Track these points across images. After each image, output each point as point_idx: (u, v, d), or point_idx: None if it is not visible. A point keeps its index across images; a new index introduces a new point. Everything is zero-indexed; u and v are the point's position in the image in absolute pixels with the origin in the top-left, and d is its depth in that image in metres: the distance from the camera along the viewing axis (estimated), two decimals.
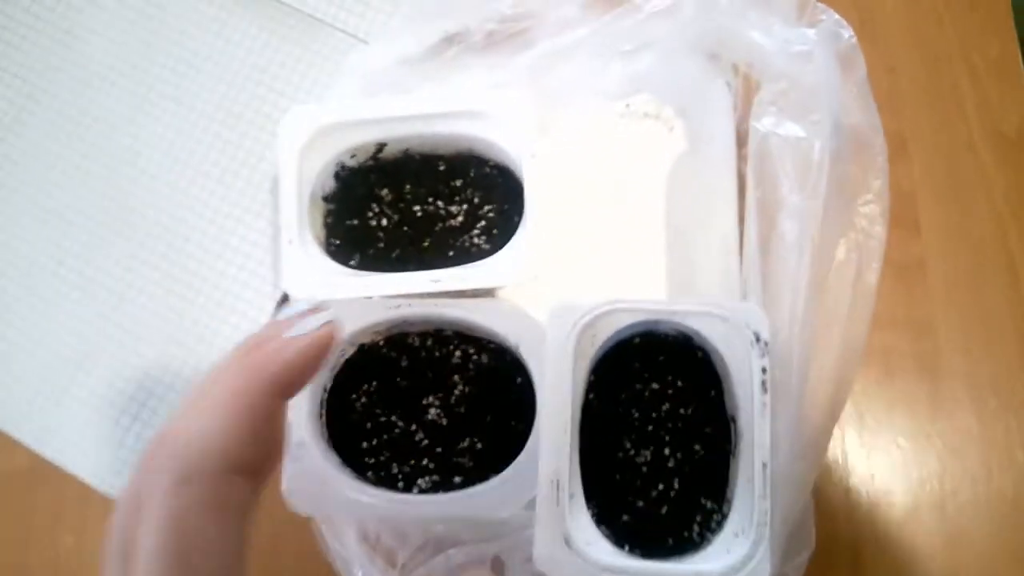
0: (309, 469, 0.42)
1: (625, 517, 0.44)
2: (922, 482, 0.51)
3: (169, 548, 0.25)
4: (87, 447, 0.52)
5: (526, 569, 0.46)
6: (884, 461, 0.51)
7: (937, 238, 0.54)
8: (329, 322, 0.30)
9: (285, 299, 0.52)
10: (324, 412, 0.45)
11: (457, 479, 0.45)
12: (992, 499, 0.51)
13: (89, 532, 0.52)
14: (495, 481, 0.42)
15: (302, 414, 0.43)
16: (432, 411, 0.46)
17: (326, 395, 0.45)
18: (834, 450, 0.51)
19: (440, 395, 0.47)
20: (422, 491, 0.44)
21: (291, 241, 0.45)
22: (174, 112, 0.56)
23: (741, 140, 0.53)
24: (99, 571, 0.26)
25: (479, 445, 0.46)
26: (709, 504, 0.44)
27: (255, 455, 0.27)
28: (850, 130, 0.44)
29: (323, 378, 0.45)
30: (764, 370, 0.41)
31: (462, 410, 0.46)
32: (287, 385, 0.29)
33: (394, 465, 0.45)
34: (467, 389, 0.47)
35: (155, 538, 0.25)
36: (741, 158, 0.53)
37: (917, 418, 0.52)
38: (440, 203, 0.49)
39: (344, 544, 0.46)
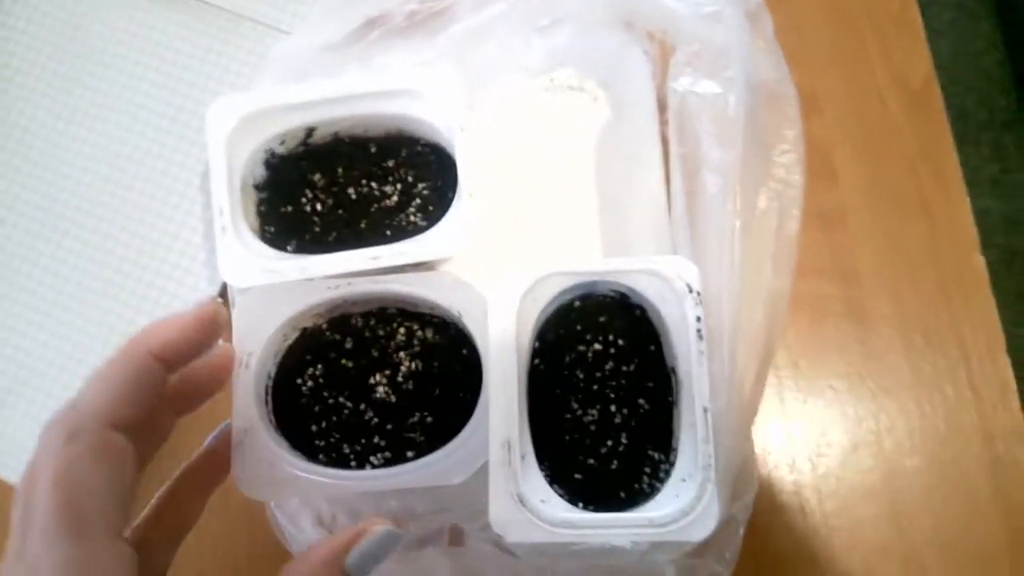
0: (258, 455, 0.42)
1: (577, 476, 0.45)
2: (858, 421, 0.53)
3: (59, 497, 0.28)
4: (25, 456, 0.51)
5: (485, 535, 0.47)
6: (820, 404, 0.53)
7: (855, 187, 0.56)
8: (215, 301, 0.37)
9: (224, 291, 0.52)
10: (269, 398, 0.45)
11: (410, 454, 0.45)
12: (926, 434, 0.53)
13: None
14: (445, 450, 0.43)
15: (248, 401, 0.43)
16: (380, 389, 0.47)
17: (271, 381, 0.45)
18: (771, 397, 0.53)
19: (387, 373, 0.47)
20: (374, 467, 0.45)
21: (224, 229, 0.45)
22: (97, 114, 0.56)
23: (662, 105, 0.55)
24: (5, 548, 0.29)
25: (429, 419, 0.46)
26: (657, 455, 0.45)
27: (135, 415, 0.32)
28: (762, 84, 0.46)
29: (267, 364, 0.45)
30: (699, 319, 0.43)
31: (410, 386, 0.47)
32: (167, 354, 0.34)
33: (345, 446, 0.45)
34: (413, 365, 0.47)
35: (47, 490, 0.28)
36: (663, 122, 0.55)
37: (849, 361, 0.54)
38: (374, 184, 0.49)
39: (300, 528, 0.46)
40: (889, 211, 0.56)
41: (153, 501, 0.37)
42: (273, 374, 0.46)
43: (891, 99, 0.58)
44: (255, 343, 0.44)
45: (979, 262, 0.55)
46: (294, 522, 0.46)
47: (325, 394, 0.47)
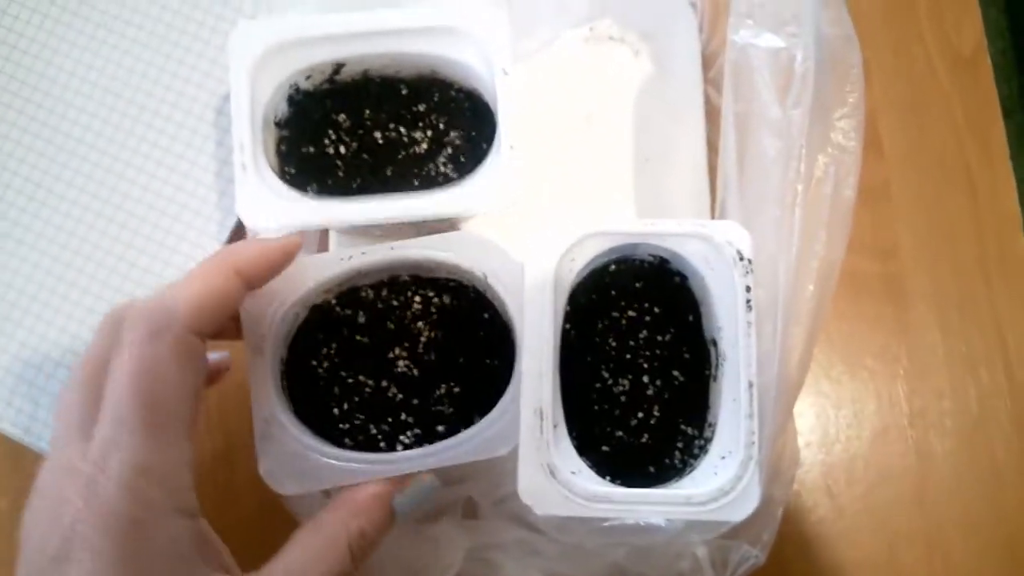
0: (283, 446, 0.39)
1: (605, 447, 0.43)
2: (891, 403, 0.51)
3: (140, 389, 0.30)
4: (18, 403, 0.48)
5: (498, 509, 0.45)
6: (853, 382, 0.52)
7: (900, 159, 0.54)
8: (294, 235, 0.38)
9: (240, 228, 0.49)
10: (286, 383, 0.42)
11: (440, 428, 0.42)
12: (958, 418, 0.51)
13: (25, 494, 0.49)
14: (487, 419, 0.40)
15: (267, 388, 0.40)
16: (401, 363, 0.43)
17: (283, 366, 0.42)
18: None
19: (406, 345, 0.43)
20: (406, 447, 0.41)
21: (244, 166, 0.42)
22: (103, 39, 0.52)
23: (707, 62, 0.52)
24: (60, 401, 0.32)
25: (456, 389, 0.43)
26: (690, 430, 0.43)
27: (213, 328, 0.33)
28: (826, 42, 0.43)
29: (279, 348, 0.41)
30: (748, 288, 0.41)
31: (432, 357, 0.43)
32: (249, 274, 0.35)
33: (371, 427, 0.42)
34: (433, 334, 0.44)
35: (126, 381, 0.30)
36: (708, 82, 0.52)
37: (885, 339, 0.52)
38: (403, 129, 0.46)
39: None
40: (932, 185, 0.54)
41: None
42: (286, 357, 0.42)
43: (940, 67, 0.56)
44: (265, 327, 0.40)
45: (1022, 242, 0.53)
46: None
47: (343, 374, 0.43)
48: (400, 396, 0.43)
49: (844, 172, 0.43)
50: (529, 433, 0.39)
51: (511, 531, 0.43)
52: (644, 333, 0.45)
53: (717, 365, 0.43)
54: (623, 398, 0.44)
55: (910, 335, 0.52)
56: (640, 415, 0.44)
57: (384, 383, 0.43)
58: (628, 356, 0.44)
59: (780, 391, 0.41)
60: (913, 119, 0.55)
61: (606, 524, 0.40)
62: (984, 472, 0.51)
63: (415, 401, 0.43)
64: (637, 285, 0.45)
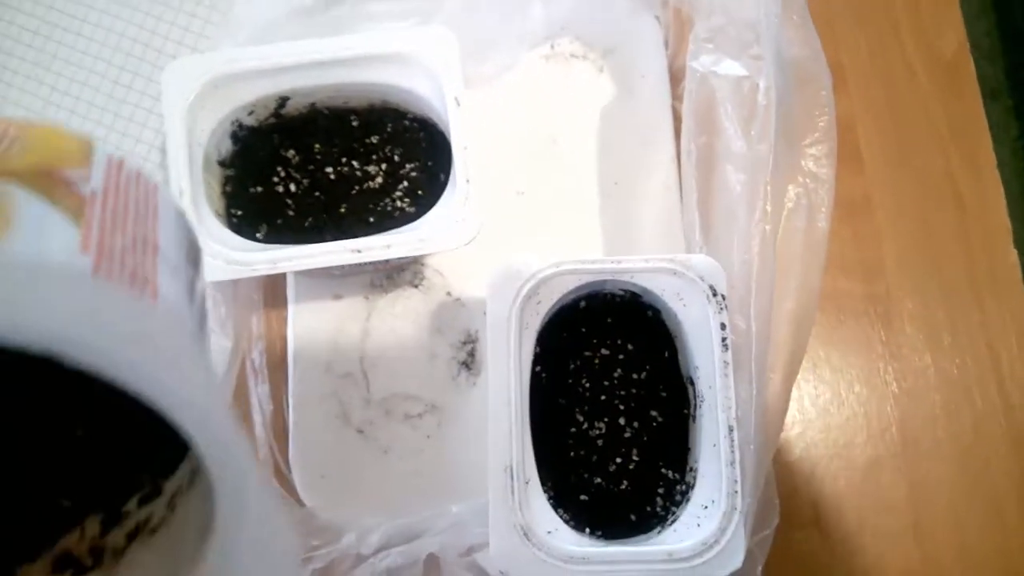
0: None
1: (583, 497, 0.42)
2: (881, 431, 0.50)
3: None
4: None
5: (461, 562, 0.44)
6: (842, 411, 0.51)
7: (880, 171, 0.53)
8: None
9: None
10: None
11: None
12: (952, 444, 0.50)
13: None
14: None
15: None
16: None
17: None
18: (790, 404, 0.50)
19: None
20: None
21: None
22: (40, 79, 0.50)
23: (675, 78, 0.51)
24: None
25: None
26: (671, 474, 0.42)
27: None
28: (792, 63, 0.42)
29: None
30: (723, 326, 0.39)
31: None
32: None
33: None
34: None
35: None
36: (676, 97, 0.51)
37: (873, 363, 0.51)
38: (355, 163, 0.45)
39: None
40: (917, 198, 0.53)
41: None
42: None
43: (920, 70, 0.55)
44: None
45: (1013, 256, 0.52)
46: None
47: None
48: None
49: (817, 202, 0.42)
50: (499, 492, 0.38)
51: None
52: (618, 372, 0.44)
53: (696, 405, 0.41)
54: (600, 442, 0.43)
55: (899, 358, 0.51)
56: (618, 459, 0.42)
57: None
58: (603, 397, 0.43)
59: (759, 442, 0.39)
60: (892, 127, 0.54)
61: None
62: (983, 501, 0.50)
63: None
64: (608, 320, 0.44)
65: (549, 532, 0.38)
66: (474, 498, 0.43)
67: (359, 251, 0.40)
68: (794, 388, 0.49)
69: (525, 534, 0.37)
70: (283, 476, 0.46)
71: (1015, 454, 0.50)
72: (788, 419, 0.49)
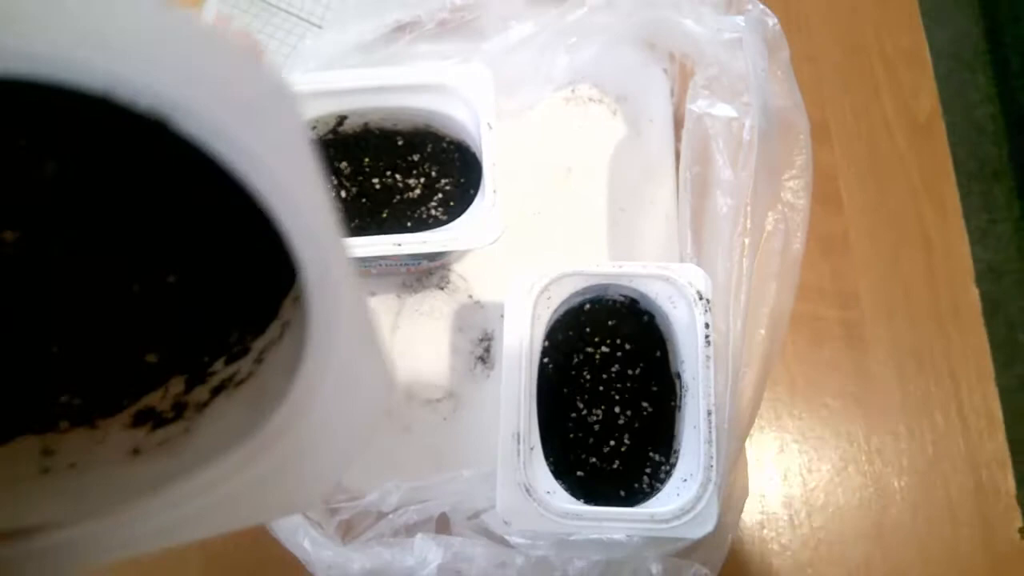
0: None
1: (580, 472, 0.49)
2: (850, 440, 0.57)
3: None
4: None
5: (469, 524, 0.50)
6: (814, 421, 0.57)
7: (859, 213, 0.61)
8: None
9: None
10: None
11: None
12: (914, 457, 0.57)
13: None
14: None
15: None
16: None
17: None
18: (768, 410, 0.57)
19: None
20: None
21: None
22: None
23: (678, 122, 0.59)
24: None
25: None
26: (657, 456, 0.49)
27: None
28: (776, 111, 0.50)
29: None
30: (707, 325, 0.47)
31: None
32: None
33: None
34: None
35: None
36: (679, 139, 0.59)
37: (844, 382, 0.58)
38: (398, 176, 0.53)
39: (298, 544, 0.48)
40: (890, 239, 0.60)
41: None
42: None
43: (897, 130, 0.63)
44: None
45: (974, 294, 0.59)
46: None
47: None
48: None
49: (793, 227, 0.49)
50: (507, 455, 0.45)
51: (481, 545, 0.48)
52: (616, 367, 0.51)
53: (681, 396, 0.48)
54: (596, 427, 0.50)
55: (868, 379, 0.58)
56: (612, 442, 0.49)
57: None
58: (601, 388, 0.50)
59: (733, 426, 0.46)
60: (872, 178, 0.62)
61: (572, 538, 0.45)
62: (939, 509, 0.56)
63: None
64: (610, 323, 0.51)
65: (548, 492, 0.45)
66: (482, 468, 0.49)
67: (400, 244, 0.48)
68: (772, 397, 0.57)
69: (527, 491, 0.44)
70: None
71: (970, 470, 0.56)
72: (765, 423, 0.56)
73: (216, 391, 0.26)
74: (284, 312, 0.26)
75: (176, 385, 0.26)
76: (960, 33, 1.50)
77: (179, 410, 0.25)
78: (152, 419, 0.25)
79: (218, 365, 0.26)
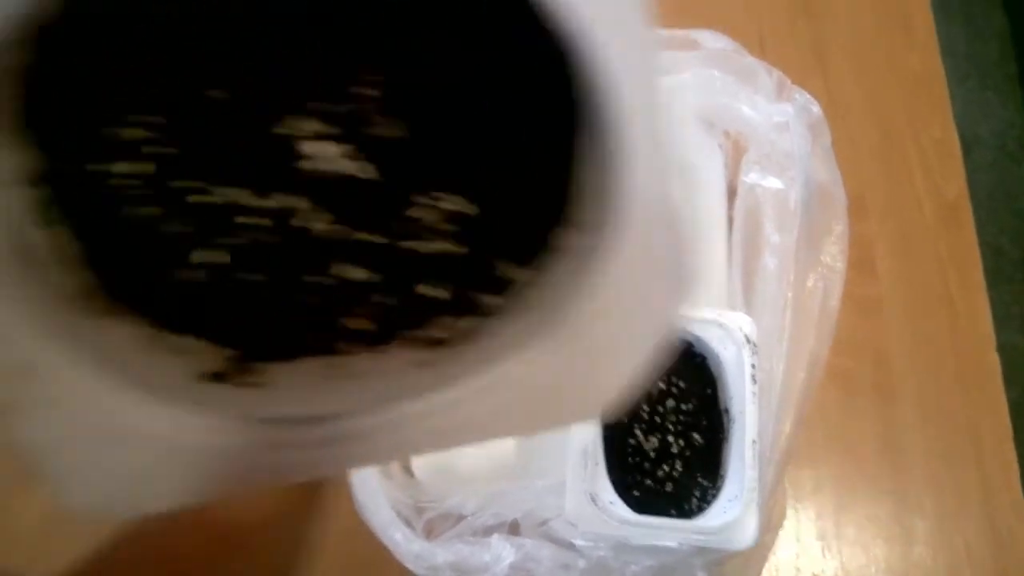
0: None
1: (635, 492, 0.56)
2: (877, 481, 0.64)
3: None
4: None
5: (538, 531, 0.58)
6: (845, 462, 0.64)
7: (891, 280, 0.69)
8: None
9: None
10: None
11: None
12: (936, 502, 0.63)
13: None
14: None
15: None
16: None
17: None
18: (802, 449, 0.64)
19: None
20: None
21: None
22: None
23: (731, 192, 0.68)
24: None
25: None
26: (705, 482, 0.56)
27: None
28: (818, 185, 0.59)
29: None
30: (753, 365, 0.55)
31: None
32: None
33: None
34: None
35: None
36: (731, 205, 0.68)
37: (874, 431, 0.65)
38: None
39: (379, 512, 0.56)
40: (919, 305, 0.68)
41: None
42: None
43: (928, 208, 0.71)
44: None
45: (993, 359, 0.67)
46: (375, 512, 0.56)
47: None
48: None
49: (831, 287, 0.57)
50: (576, 467, 0.53)
51: (547, 548, 0.55)
52: (671, 402, 0.59)
53: (728, 428, 0.56)
54: (652, 453, 0.57)
55: (896, 430, 0.65)
56: (665, 467, 0.57)
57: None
58: (658, 419, 0.58)
59: (772, 454, 0.54)
60: (904, 249, 0.70)
61: (632, 543, 0.53)
62: (957, 559, 0.62)
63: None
64: (667, 363, 0.59)
65: (611, 503, 0.52)
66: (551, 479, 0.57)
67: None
68: (808, 436, 0.64)
69: (592, 499, 0.52)
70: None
71: (988, 519, 0.63)
72: (802, 460, 0.64)
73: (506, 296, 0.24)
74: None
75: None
76: (1006, 124, 1.59)
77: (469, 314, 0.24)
78: (440, 343, 0.24)
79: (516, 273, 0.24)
